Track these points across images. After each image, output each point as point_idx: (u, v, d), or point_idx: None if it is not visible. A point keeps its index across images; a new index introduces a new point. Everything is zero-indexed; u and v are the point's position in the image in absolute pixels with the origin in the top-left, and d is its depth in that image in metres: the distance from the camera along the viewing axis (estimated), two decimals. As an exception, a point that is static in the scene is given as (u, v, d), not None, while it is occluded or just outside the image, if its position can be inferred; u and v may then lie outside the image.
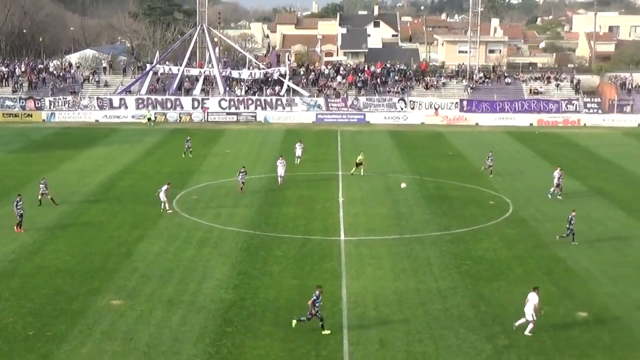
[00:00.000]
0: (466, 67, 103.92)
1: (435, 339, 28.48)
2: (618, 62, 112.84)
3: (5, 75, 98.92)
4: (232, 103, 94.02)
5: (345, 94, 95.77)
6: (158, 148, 72.66)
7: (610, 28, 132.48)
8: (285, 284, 34.35)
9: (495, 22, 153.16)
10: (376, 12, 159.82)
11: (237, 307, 31.42)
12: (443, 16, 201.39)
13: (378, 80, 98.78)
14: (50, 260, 37.26)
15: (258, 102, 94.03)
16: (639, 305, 32.37)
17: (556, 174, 52.20)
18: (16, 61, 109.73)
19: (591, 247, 40.69)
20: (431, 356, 27.07)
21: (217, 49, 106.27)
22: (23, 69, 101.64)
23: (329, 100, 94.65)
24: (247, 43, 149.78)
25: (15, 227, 41.99)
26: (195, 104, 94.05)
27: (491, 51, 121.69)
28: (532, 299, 29.08)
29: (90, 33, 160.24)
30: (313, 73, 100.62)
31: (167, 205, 46.73)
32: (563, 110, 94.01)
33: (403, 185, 36.33)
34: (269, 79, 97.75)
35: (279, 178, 54.82)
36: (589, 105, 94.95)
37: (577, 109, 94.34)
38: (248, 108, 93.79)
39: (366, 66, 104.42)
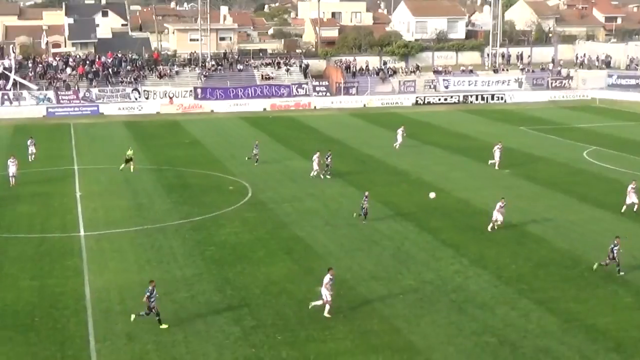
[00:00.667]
0: (198, 55, 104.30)
1: (184, 326, 28.64)
2: (342, 46, 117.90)
3: None
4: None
5: (76, 86, 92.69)
6: None
7: (333, 14, 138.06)
8: (24, 286, 32.96)
9: (224, 9, 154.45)
10: (104, 1, 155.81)
11: (-27, 314, 29.82)
12: (172, 4, 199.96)
13: (110, 70, 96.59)
14: None
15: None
16: (374, 275, 34.41)
17: (315, 157, 53.59)
18: None
19: (327, 224, 42.58)
20: (180, 343, 27.21)
21: None
22: None
23: (59, 93, 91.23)
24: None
25: None
26: None
27: (222, 39, 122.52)
28: (325, 279, 29.87)
29: None
30: (40, 65, 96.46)
31: None
32: (294, 94, 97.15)
33: (432, 195, 34.46)
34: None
35: (11, 178, 52.06)
36: (317, 88, 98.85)
37: (307, 93, 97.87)
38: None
39: (97, 57, 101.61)
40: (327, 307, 29.72)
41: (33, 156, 59.92)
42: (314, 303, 30.15)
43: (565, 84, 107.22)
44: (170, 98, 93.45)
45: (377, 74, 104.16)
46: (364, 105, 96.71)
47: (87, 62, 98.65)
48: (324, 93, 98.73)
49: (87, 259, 36.55)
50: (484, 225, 41.64)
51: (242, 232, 41.18)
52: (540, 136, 73.03)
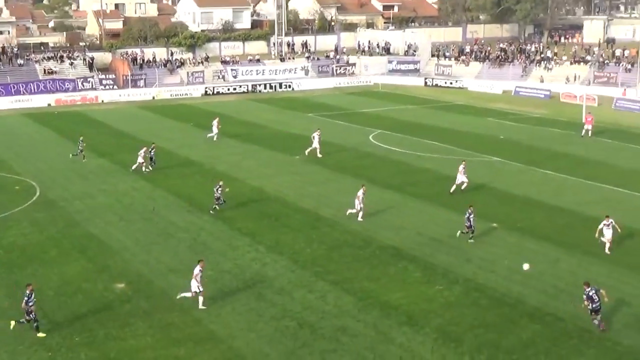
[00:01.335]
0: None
1: (-27, 335, 27.32)
2: (127, 38, 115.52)
3: None
4: None
5: None
6: None
7: (117, 6, 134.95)
8: None
9: (0, 2, 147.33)
10: None
11: None
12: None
13: None
14: None
15: None
16: (171, 268, 34.21)
17: (142, 152, 52.39)
18: None
19: (122, 219, 41.83)
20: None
21: None
22: None
23: None
24: None
25: None
26: None
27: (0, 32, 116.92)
28: (195, 270, 29.71)
29: None
30: None
31: None
32: (80, 88, 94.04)
33: (526, 267, 30.89)
34: None
35: None
36: (104, 81, 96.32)
37: (94, 86, 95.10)
38: None
39: None
40: (201, 299, 29.64)
41: None
42: (182, 294, 29.97)
43: (349, 70, 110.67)
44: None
45: (165, 65, 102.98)
46: (153, 98, 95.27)
47: None
48: (111, 86, 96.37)
49: None
50: (278, 212, 42.48)
51: (31, 232, 39.64)
52: (328, 122, 74.98)
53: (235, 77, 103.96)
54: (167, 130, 71.07)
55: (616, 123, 71.80)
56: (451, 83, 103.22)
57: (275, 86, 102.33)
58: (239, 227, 40.37)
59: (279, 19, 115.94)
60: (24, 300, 27.31)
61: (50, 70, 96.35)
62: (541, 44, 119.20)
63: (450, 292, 31.31)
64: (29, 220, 41.82)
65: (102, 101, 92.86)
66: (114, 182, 50.02)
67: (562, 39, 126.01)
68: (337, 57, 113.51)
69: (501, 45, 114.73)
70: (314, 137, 57.51)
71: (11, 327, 27.47)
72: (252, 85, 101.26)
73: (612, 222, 35.39)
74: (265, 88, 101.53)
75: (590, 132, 65.70)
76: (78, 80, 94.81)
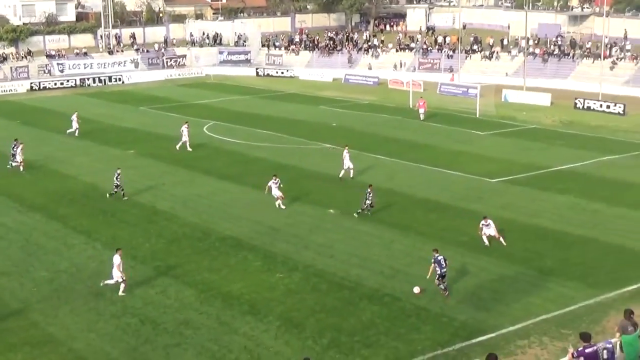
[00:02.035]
0: None
1: None
2: None
3: None
4: None
5: None
6: None
7: None
8: None
9: None
10: None
11: None
12: None
13: None
14: None
15: None
16: (3, 271, 32.91)
17: (18, 149, 50.55)
18: None
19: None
20: None
21: None
22: None
23: None
24: None
25: None
26: None
27: None
28: (115, 260, 29.71)
29: None
30: None
31: None
32: None
33: (416, 290, 28.31)
34: None
35: None
36: None
37: None
38: None
39: None
40: (122, 286, 29.83)
41: None
42: (106, 281, 30.14)
43: (179, 62, 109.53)
44: None
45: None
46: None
47: None
48: None
49: None
50: (114, 208, 41.72)
51: None
52: (161, 114, 74.09)
53: (62, 71, 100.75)
54: (-9, 129, 68.09)
55: (442, 107, 74.63)
56: (282, 72, 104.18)
57: (104, 80, 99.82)
58: (74, 225, 39.34)
59: (105, 11, 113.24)
60: None
61: None
62: (367, 32, 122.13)
63: (291, 279, 31.74)
64: None
65: None
66: None
67: (388, 27, 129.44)
68: (167, 48, 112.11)
69: (329, 34, 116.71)
70: (182, 131, 56.89)
71: None
72: (80, 79, 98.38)
73: (490, 222, 35.05)
74: (94, 82, 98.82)
75: (422, 116, 68.28)
76: None
